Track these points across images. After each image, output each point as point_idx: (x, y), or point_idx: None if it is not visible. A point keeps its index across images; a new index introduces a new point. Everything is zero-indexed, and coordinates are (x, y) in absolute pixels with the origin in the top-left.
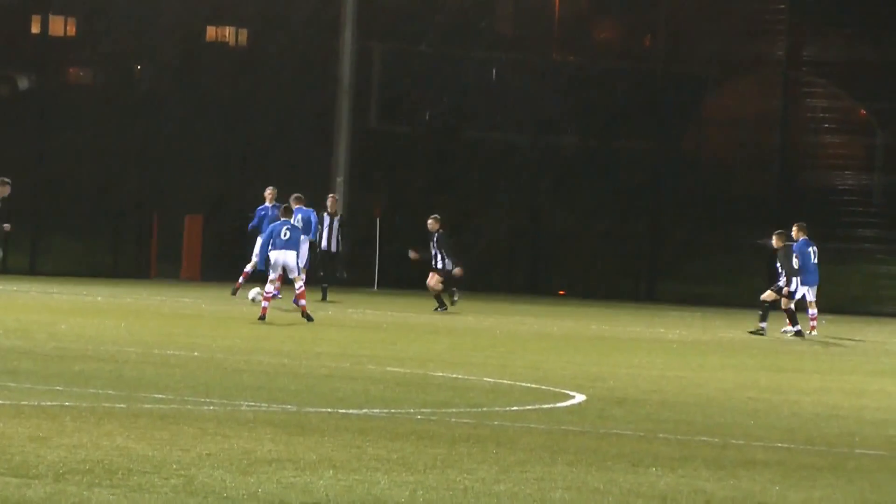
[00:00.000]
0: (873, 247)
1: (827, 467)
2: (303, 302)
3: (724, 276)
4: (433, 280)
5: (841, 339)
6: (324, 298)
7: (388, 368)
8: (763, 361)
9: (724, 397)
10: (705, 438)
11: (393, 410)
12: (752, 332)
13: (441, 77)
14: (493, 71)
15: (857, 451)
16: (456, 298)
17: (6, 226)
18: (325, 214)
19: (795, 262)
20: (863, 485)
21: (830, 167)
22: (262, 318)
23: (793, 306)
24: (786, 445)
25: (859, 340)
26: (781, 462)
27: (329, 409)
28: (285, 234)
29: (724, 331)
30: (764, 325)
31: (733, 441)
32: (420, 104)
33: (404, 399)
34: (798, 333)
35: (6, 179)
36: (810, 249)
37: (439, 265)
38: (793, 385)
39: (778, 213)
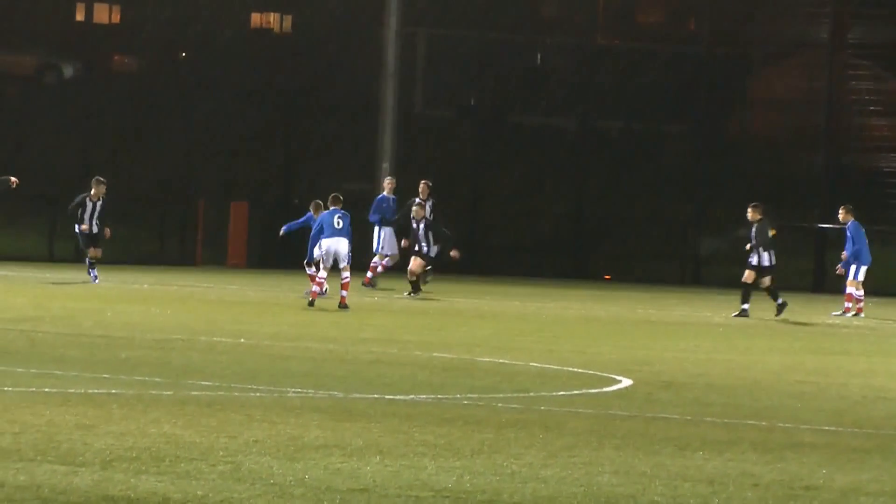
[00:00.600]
0: None
1: (874, 449)
2: (344, 293)
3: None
4: (416, 265)
5: (887, 320)
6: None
7: (435, 354)
8: (810, 344)
9: (771, 380)
10: (752, 422)
11: (440, 396)
12: (778, 310)
13: (485, 61)
14: (538, 55)
15: None
16: (429, 279)
17: (106, 230)
18: (418, 200)
19: (759, 243)
20: None
21: (876, 149)
22: (312, 303)
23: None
24: (833, 428)
25: None
26: (829, 445)
27: (376, 395)
28: (338, 224)
29: (771, 313)
30: (780, 300)
31: (780, 424)
32: (465, 89)
33: (451, 384)
34: (743, 313)
35: (101, 179)
36: (863, 230)
37: (424, 250)
38: (840, 367)
39: (824, 195)
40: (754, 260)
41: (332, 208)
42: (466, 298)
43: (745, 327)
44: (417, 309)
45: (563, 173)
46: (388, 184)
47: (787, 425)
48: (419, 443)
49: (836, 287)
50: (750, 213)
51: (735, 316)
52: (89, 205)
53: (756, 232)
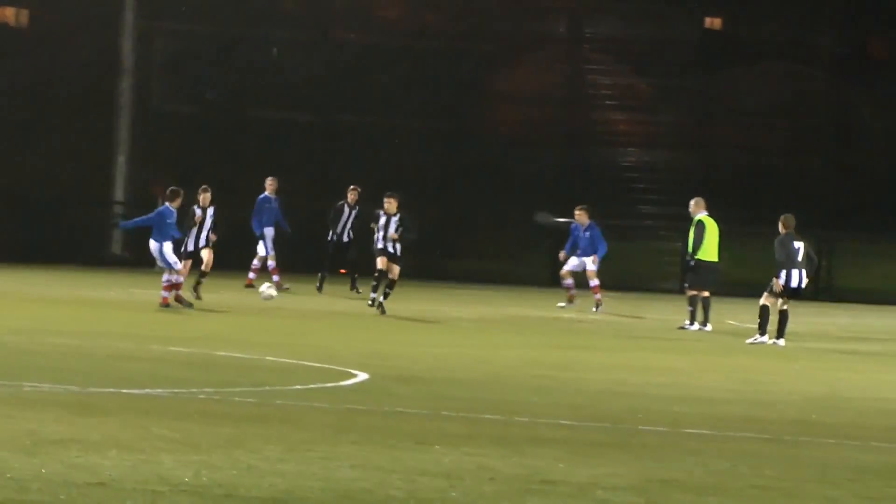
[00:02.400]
0: (656, 223)
1: (612, 444)
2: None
3: (510, 253)
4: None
5: (626, 315)
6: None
7: (172, 348)
8: (549, 339)
9: (509, 374)
10: (490, 416)
11: (177, 390)
12: (380, 307)
13: (224, 56)
14: (274, 50)
15: (642, 427)
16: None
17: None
18: (345, 205)
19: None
20: (647, 461)
21: (614, 143)
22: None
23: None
24: (572, 422)
25: (644, 317)
26: (567, 439)
27: (113, 389)
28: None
29: (511, 308)
30: (387, 295)
31: (519, 418)
32: (203, 83)
33: (188, 379)
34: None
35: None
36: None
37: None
38: (579, 362)
39: (563, 189)
40: (392, 248)
41: (165, 205)
42: (205, 293)
43: (484, 321)
44: (154, 304)
45: (303, 168)
46: (269, 184)
47: (525, 419)
48: (157, 437)
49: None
50: (388, 204)
51: (372, 306)
52: None
53: (402, 222)
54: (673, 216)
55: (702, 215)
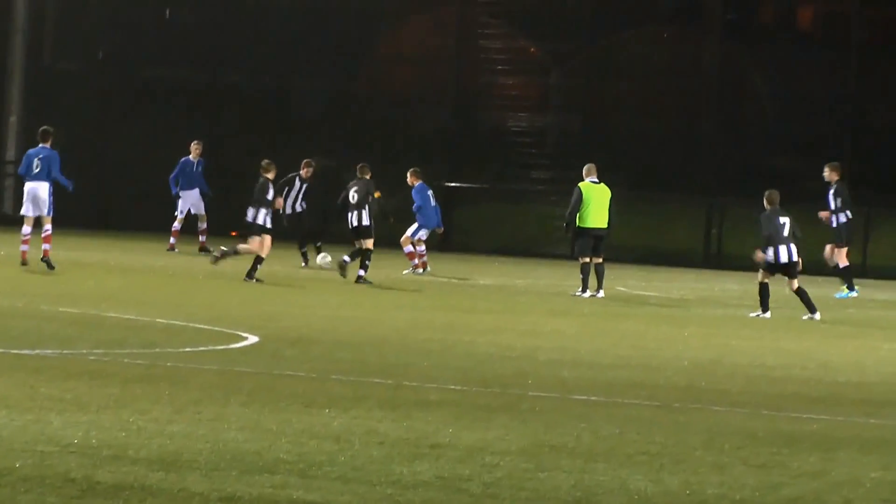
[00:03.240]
0: (546, 188)
1: (501, 408)
2: (47, 246)
3: (397, 215)
4: None
5: (516, 279)
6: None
7: (61, 308)
8: (438, 301)
9: (398, 337)
10: (379, 379)
11: (66, 350)
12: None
13: (115, 14)
14: (168, 9)
15: (531, 392)
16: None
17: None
18: (297, 178)
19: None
20: (536, 425)
21: (504, 107)
22: (24, 263)
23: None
24: (460, 386)
25: (534, 282)
26: (455, 402)
27: (1, 350)
28: (37, 165)
29: (397, 270)
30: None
31: (407, 382)
32: (95, 42)
33: (77, 339)
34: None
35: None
36: (429, 192)
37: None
38: (467, 325)
39: (451, 153)
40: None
41: (40, 145)
42: (94, 252)
43: (373, 284)
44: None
45: (197, 127)
46: (194, 148)
47: (413, 383)
48: (45, 397)
49: (459, 245)
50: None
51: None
52: None
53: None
54: (563, 180)
55: (584, 182)
